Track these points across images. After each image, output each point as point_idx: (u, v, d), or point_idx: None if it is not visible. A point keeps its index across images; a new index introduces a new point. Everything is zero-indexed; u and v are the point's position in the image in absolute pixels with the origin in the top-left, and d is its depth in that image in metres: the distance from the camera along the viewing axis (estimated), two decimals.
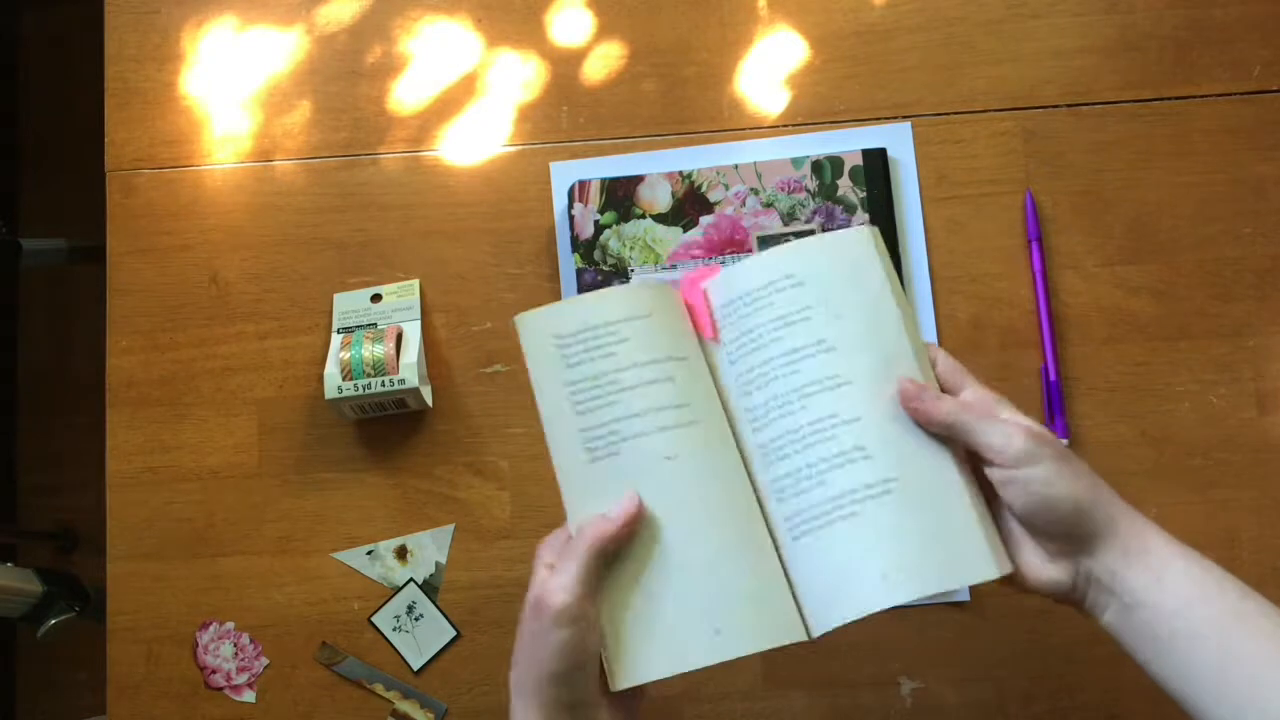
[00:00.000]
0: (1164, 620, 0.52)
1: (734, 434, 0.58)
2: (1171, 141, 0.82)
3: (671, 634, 0.54)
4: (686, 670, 0.54)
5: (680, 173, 0.83)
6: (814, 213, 0.81)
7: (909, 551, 0.54)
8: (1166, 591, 0.52)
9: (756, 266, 0.59)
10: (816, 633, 0.55)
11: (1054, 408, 0.79)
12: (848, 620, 0.54)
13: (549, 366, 0.58)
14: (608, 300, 0.59)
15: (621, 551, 0.55)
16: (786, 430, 0.57)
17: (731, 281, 0.60)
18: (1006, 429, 0.53)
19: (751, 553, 0.56)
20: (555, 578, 0.53)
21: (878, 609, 0.53)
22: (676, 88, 0.86)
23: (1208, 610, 0.51)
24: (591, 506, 0.56)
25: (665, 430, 0.57)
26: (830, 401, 0.56)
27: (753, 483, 0.58)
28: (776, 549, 0.56)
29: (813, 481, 0.56)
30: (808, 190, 0.82)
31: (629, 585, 0.55)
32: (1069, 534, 0.53)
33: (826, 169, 0.82)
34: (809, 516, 0.55)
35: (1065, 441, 0.78)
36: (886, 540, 0.54)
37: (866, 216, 0.81)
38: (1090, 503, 0.53)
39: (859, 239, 0.59)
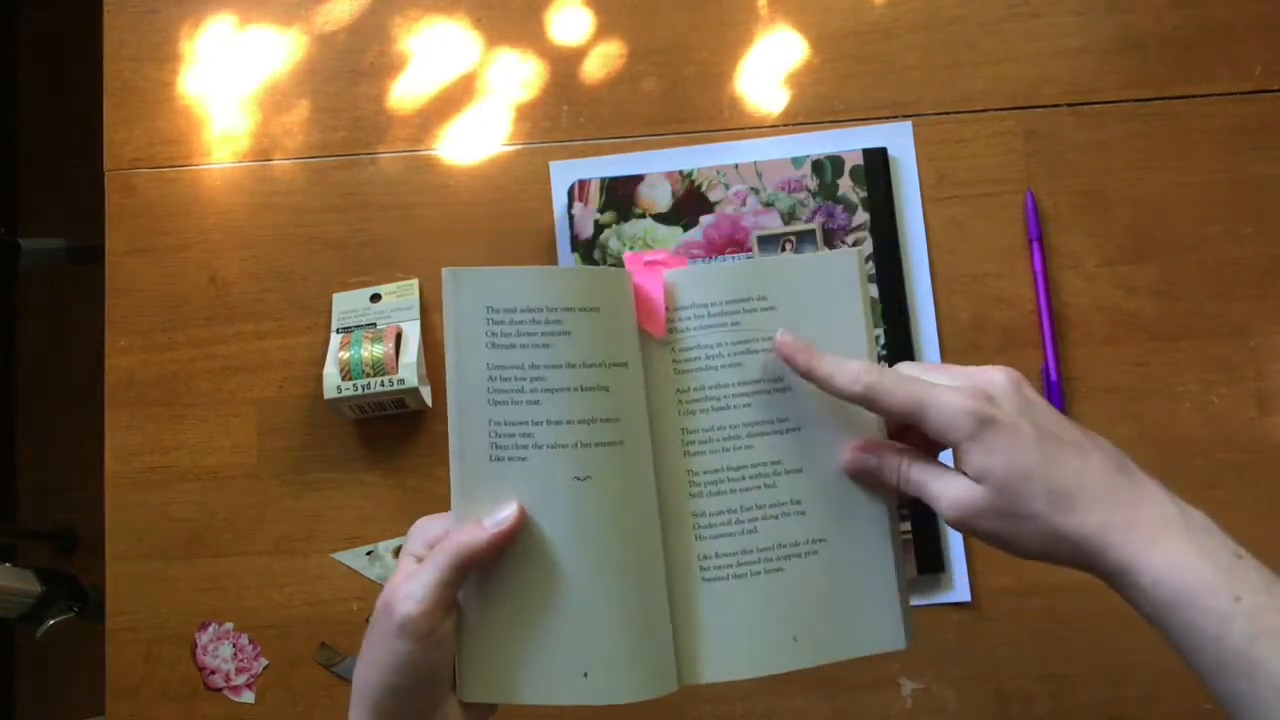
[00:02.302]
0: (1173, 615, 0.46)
1: (653, 449, 0.53)
2: (1172, 141, 0.82)
3: (536, 663, 0.50)
4: (541, 704, 0.51)
5: (680, 172, 0.83)
6: (814, 212, 0.81)
7: (824, 616, 0.53)
8: (1167, 633, 0.46)
9: (730, 276, 0.55)
10: (709, 680, 0.53)
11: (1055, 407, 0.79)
12: (749, 677, 0.53)
13: (472, 340, 0.51)
14: (557, 281, 0.52)
15: (505, 562, 0.50)
16: (727, 465, 0.54)
17: (700, 283, 0.54)
18: (940, 500, 0.49)
19: (643, 598, 0.52)
20: (409, 581, 0.48)
21: (784, 670, 0.52)
22: (676, 87, 0.86)
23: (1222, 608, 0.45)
24: (480, 508, 0.50)
25: (585, 447, 0.51)
26: (777, 446, 0.54)
27: (662, 506, 0.53)
28: (670, 582, 0.53)
29: (742, 527, 0.53)
30: (808, 190, 0.81)
31: (502, 599, 0.51)
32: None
33: (827, 168, 0.82)
34: (732, 562, 0.53)
35: None
36: (805, 602, 0.53)
37: (867, 216, 0.81)
38: (1051, 554, 0.48)
39: (844, 267, 0.55)
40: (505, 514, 0.50)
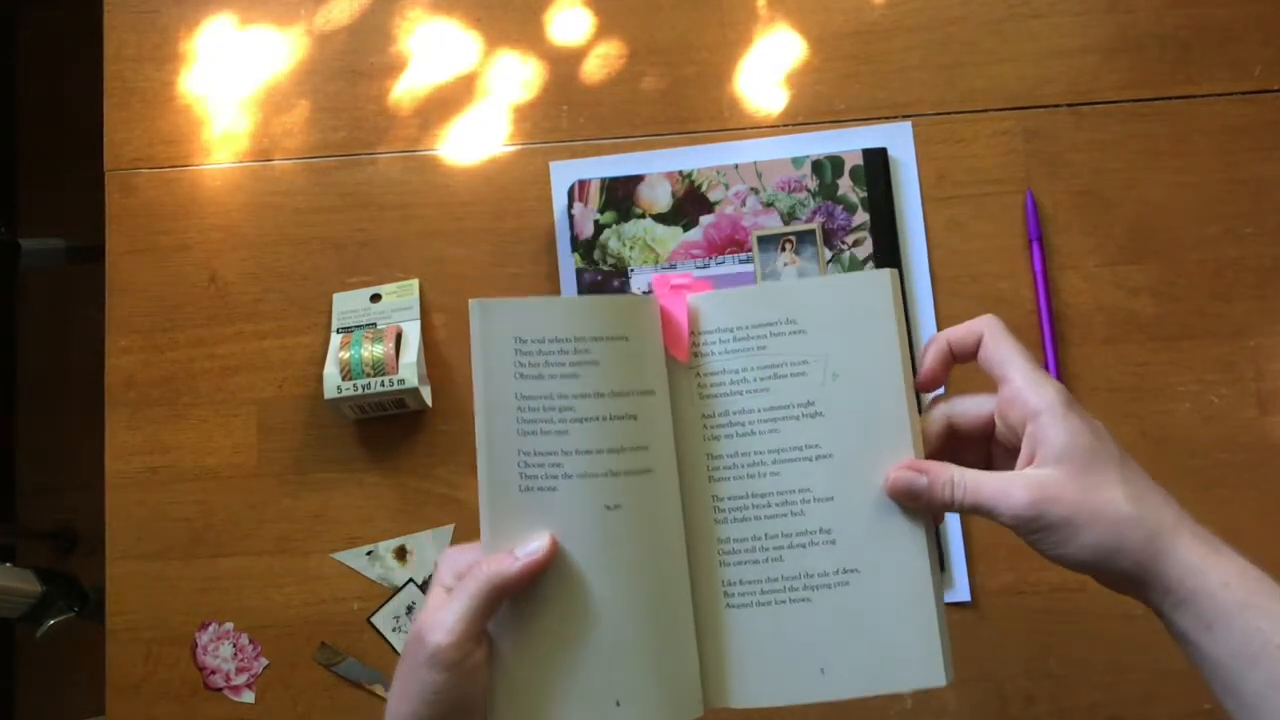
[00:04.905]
0: (1227, 670, 0.46)
1: (679, 473, 0.53)
2: (1172, 141, 0.82)
3: (569, 694, 0.50)
4: None
5: (680, 172, 0.83)
6: (814, 212, 0.81)
7: (854, 649, 0.51)
8: (1220, 645, 0.46)
9: (756, 300, 0.54)
10: (734, 704, 0.52)
11: None
12: (773, 705, 0.52)
13: (500, 370, 0.51)
14: (585, 311, 0.52)
15: (536, 593, 0.50)
16: (752, 492, 0.53)
17: (726, 308, 0.54)
18: (1009, 497, 0.48)
19: (673, 626, 0.52)
20: (439, 611, 0.48)
21: (810, 701, 0.51)
22: (676, 87, 0.86)
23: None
24: (509, 539, 0.50)
25: (615, 476, 0.51)
26: (806, 473, 0.52)
27: (688, 530, 0.53)
28: (696, 606, 0.53)
29: (768, 554, 0.52)
30: (808, 190, 0.81)
31: (534, 629, 0.50)
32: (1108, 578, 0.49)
33: (827, 169, 0.82)
34: (755, 590, 0.52)
35: None
36: (833, 634, 0.52)
37: (867, 216, 0.81)
38: (1119, 549, 0.47)
39: (878, 288, 0.53)
40: (537, 544, 0.49)
